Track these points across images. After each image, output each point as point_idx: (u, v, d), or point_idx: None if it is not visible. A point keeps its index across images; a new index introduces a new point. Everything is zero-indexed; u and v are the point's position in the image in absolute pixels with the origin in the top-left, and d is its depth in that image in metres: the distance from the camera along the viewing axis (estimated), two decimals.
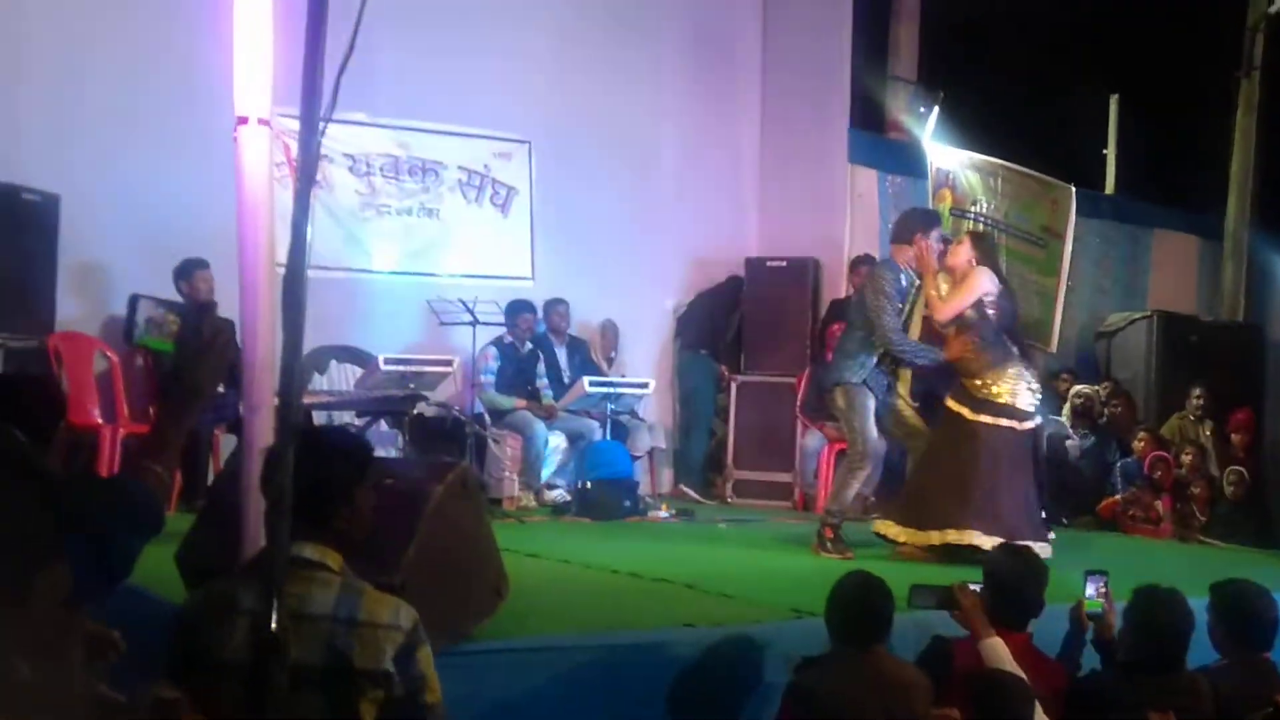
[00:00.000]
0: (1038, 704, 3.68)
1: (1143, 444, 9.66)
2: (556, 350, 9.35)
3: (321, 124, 2.87)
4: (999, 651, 3.91)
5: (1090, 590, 4.44)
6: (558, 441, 8.76)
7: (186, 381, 2.75)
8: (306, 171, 2.87)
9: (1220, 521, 9.23)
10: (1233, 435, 9.84)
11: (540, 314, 9.33)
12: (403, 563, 3.55)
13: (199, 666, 2.84)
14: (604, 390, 8.72)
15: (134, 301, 7.77)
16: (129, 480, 2.61)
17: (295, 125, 2.78)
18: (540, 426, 8.55)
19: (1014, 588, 4.23)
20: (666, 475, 9.92)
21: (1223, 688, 4.14)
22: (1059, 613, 4.51)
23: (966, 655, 4.03)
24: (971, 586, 4.20)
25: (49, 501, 2.06)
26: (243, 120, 3.70)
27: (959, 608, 4.14)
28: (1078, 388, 10.49)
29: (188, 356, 2.82)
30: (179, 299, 7.74)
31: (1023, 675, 3.79)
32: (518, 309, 8.90)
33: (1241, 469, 9.40)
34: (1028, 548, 4.81)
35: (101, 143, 7.98)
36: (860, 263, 9.76)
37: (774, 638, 4.44)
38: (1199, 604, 4.30)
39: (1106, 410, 10.39)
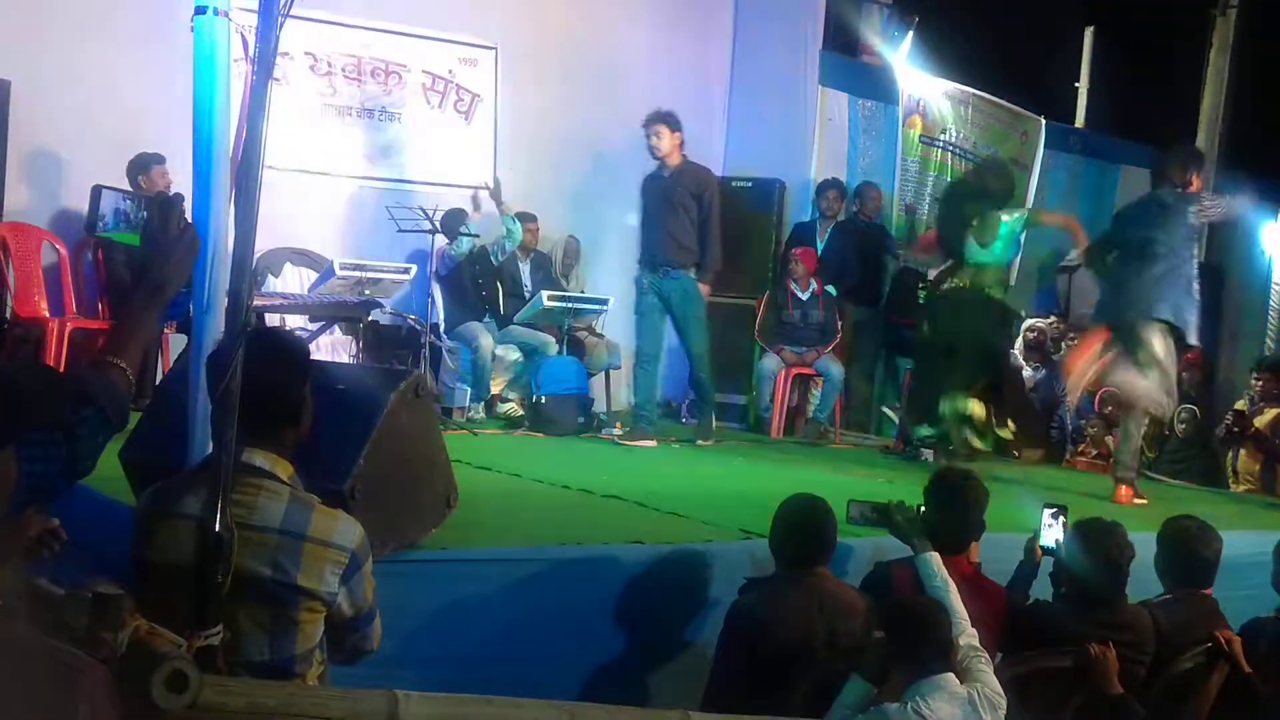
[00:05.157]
0: (969, 627, 3.70)
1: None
2: (520, 265, 9.25)
3: (281, 18, 2.79)
4: (933, 565, 3.93)
5: (1047, 523, 4.47)
6: (513, 355, 8.70)
7: (154, 276, 2.65)
8: (264, 66, 2.80)
9: (1168, 458, 9.33)
10: (1183, 373, 9.92)
11: None
12: (354, 470, 3.54)
13: (145, 567, 2.82)
14: (562, 305, 8.64)
15: (97, 192, 7.48)
16: (91, 374, 2.55)
17: (254, 19, 2.70)
18: (486, 338, 8.47)
19: (953, 508, 4.25)
20: (625, 393, 9.86)
21: (1164, 622, 4.20)
22: (1014, 543, 4.54)
23: (903, 580, 4.05)
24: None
25: None
26: (200, 10, 3.61)
27: (893, 523, 4.17)
28: (1030, 321, 10.53)
29: (156, 251, 2.70)
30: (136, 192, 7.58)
31: (953, 589, 3.82)
32: (456, 219, 8.62)
33: (1194, 407, 9.49)
34: (966, 470, 4.81)
35: (56, 28, 7.75)
36: (827, 186, 9.70)
37: (721, 557, 4.45)
38: (1142, 539, 4.34)
39: (1063, 344, 10.45)
